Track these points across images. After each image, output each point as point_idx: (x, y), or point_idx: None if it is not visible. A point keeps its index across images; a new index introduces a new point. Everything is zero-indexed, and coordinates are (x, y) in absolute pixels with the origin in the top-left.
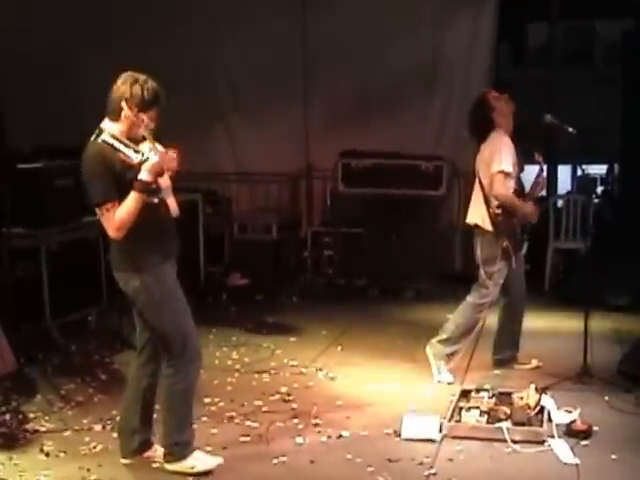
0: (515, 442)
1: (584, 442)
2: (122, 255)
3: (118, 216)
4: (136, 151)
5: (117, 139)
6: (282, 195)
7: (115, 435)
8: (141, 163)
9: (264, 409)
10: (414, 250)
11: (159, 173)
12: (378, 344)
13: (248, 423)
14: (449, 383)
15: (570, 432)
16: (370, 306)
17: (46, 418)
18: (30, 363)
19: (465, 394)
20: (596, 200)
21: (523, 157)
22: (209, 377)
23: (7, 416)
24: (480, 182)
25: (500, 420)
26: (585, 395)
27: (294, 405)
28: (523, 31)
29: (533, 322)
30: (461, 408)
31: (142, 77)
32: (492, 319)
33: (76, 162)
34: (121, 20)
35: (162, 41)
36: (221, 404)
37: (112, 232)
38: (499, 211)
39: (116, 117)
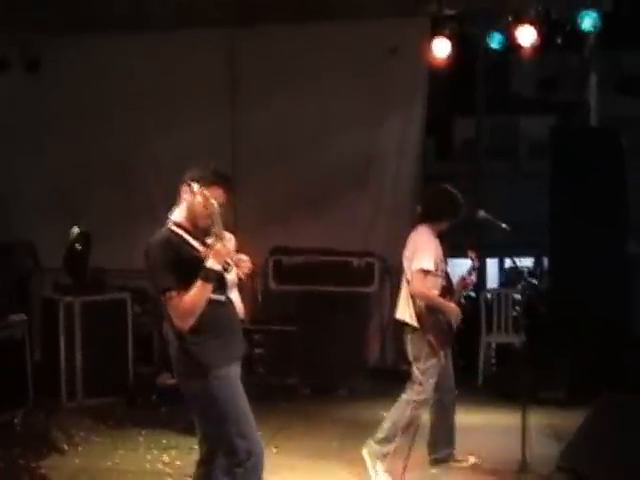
0: None
1: None
2: (185, 356)
3: (183, 305)
4: (204, 243)
5: (184, 229)
6: None
7: None
8: (208, 253)
9: None
10: (346, 347)
11: (225, 260)
12: (313, 445)
13: None
14: None
15: None
16: (303, 405)
17: None
18: None
19: None
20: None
21: (451, 250)
22: None
23: None
24: (406, 278)
25: None
26: None
27: None
28: (448, 126)
29: (468, 418)
30: None
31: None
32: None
33: (1, 259)
34: (51, 114)
35: (92, 137)
36: None
37: (178, 321)
38: (423, 307)
39: (179, 200)
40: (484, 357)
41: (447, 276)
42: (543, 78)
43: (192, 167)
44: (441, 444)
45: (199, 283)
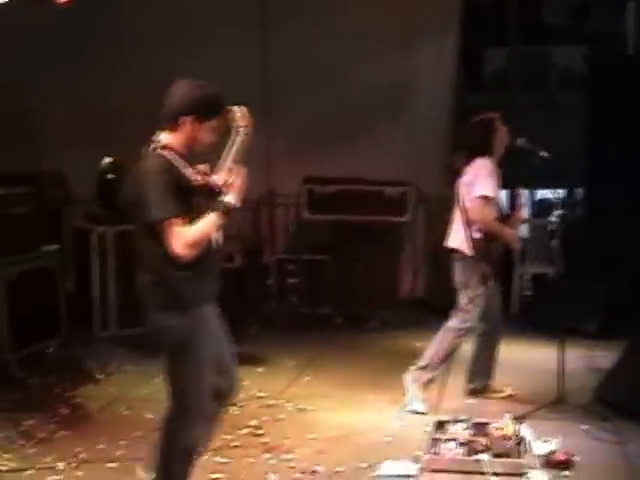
0: (496, 474)
1: (565, 473)
2: (161, 291)
3: (191, 235)
4: (197, 170)
5: (177, 153)
6: (244, 222)
7: (79, 473)
8: (207, 183)
9: (234, 444)
10: (379, 277)
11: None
12: (346, 374)
13: (218, 459)
14: (422, 413)
15: (550, 463)
16: (336, 335)
17: (6, 456)
18: None
19: (441, 425)
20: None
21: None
22: None
23: None
24: (461, 206)
25: (478, 452)
26: (562, 424)
27: (265, 439)
28: (479, 56)
29: (503, 349)
30: (438, 440)
31: (202, 83)
32: (465, 347)
33: (32, 189)
34: (77, 45)
35: (117, 66)
36: None
37: (181, 249)
38: (479, 236)
39: (173, 128)
40: (518, 287)
41: (499, 206)
42: (575, 6)
43: (190, 85)
44: (480, 374)
45: (214, 215)
